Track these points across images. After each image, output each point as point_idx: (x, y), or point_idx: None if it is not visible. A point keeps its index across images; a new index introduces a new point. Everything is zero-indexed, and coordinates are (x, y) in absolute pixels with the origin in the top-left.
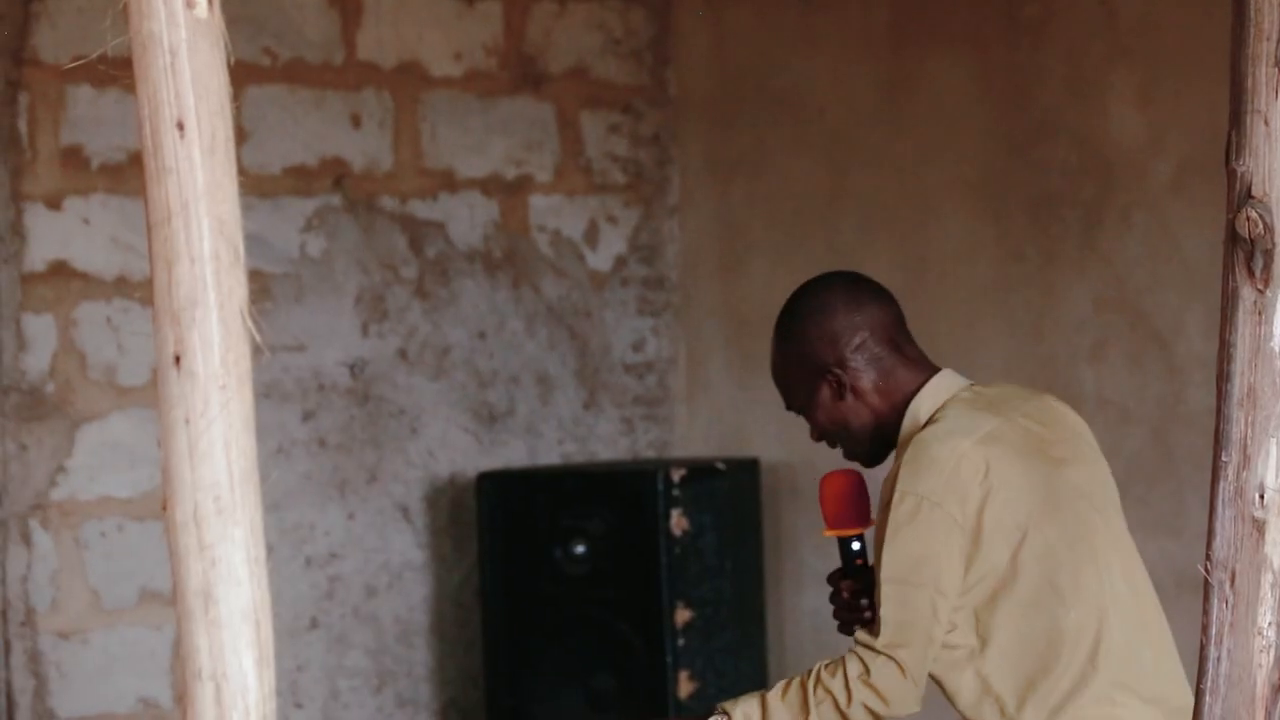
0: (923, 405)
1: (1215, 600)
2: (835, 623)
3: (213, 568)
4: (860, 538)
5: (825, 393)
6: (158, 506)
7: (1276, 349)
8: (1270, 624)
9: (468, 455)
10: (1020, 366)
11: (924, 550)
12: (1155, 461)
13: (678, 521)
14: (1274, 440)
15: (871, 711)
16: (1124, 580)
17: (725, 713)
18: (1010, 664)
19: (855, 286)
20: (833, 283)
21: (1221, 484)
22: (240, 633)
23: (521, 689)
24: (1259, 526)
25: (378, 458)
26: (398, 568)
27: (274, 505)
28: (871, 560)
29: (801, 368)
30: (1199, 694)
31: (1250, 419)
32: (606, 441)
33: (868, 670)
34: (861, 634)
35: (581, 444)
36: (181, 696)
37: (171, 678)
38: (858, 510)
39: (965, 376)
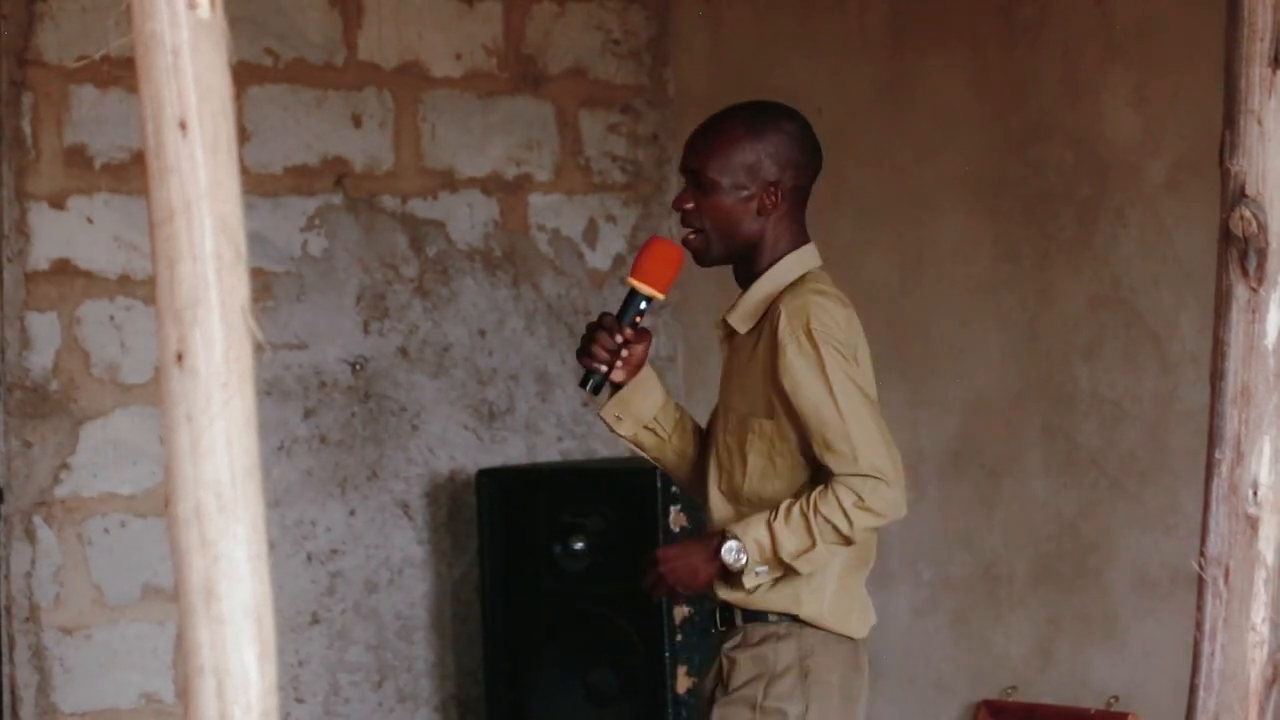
0: (794, 265)
1: (1209, 596)
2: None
3: (215, 564)
4: (650, 303)
5: (745, 193)
6: (160, 503)
7: (1270, 347)
8: (1264, 619)
9: (468, 452)
10: (1015, 364)
11: (860, 381)
12: (1149, 458)
13: (676, 518)
14: (1267, 437)
15: (870, 529)
16: None
17: (736, 538)
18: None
19: (819, 146)
20: (812, 130)
21: (1215, 481)
22: (242, 628)
23: (521, 684)
24: (1252, 523)
25: (378, 455)
26: (398, 564)
27: (275, 502)
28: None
29: (750, 159)
30: (1193, 689)
31: (1244, 416)
32: (606, 439)
33: (861, 498)
34: (838, 468)
35: (581, 441)
36: (184, 691)
37: (174, 673)
38: (666, 279)
39: (960, 375)
